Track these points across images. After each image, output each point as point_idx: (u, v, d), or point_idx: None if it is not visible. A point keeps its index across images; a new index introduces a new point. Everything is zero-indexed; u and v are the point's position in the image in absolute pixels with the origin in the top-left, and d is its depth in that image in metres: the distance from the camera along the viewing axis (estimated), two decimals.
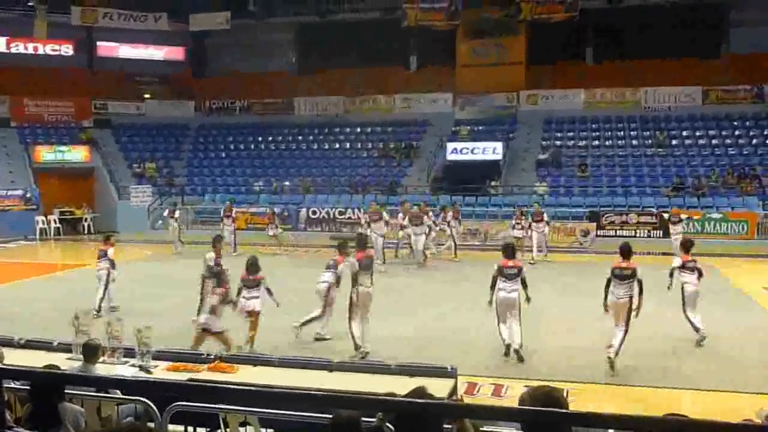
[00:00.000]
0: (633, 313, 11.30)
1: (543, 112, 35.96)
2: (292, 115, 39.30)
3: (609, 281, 11.63)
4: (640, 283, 11.30)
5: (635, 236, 26.30)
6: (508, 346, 11.88)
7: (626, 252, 11.84)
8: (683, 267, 13.14)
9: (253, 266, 12.40)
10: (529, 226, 23.12)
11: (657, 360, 11.83)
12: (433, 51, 38.81)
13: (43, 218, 31.38)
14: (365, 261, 12.48)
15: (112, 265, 15.83)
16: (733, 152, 32.15)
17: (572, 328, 14.13)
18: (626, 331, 11.27)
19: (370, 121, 38.13)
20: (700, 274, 13.10)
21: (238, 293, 12.15)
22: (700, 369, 11.42)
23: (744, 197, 28.92)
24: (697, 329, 12.77)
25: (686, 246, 13.60)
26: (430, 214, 23.46)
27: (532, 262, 21.18)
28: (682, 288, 13.03)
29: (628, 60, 35.98)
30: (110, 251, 15.89)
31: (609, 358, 11.18)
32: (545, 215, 23.27)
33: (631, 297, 11.34)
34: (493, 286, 12.07)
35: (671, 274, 13.13)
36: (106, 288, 15.69)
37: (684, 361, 11.84)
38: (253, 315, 12.17)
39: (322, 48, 39.50)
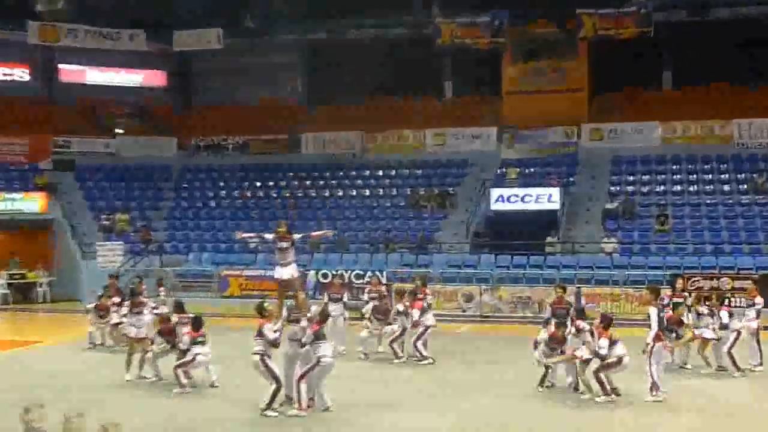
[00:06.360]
0: None
1: (610, 149, 35.94)
2: (297, 154, 39.42)
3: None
4: None
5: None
6: None
7: None
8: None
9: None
10: None
11: None
12: (472, 76, 39.19)
13: None
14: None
15: None
16: None
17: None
18: None
19: (395, 162, 38.29)
20: None
21: None
22: None
23: None
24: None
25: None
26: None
27: None
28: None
29: (716, 85, 36.04)
30: None
31: None
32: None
33: None
34: None
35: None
36: None
37: None
38: None
39: (336, 73, 39.81)
